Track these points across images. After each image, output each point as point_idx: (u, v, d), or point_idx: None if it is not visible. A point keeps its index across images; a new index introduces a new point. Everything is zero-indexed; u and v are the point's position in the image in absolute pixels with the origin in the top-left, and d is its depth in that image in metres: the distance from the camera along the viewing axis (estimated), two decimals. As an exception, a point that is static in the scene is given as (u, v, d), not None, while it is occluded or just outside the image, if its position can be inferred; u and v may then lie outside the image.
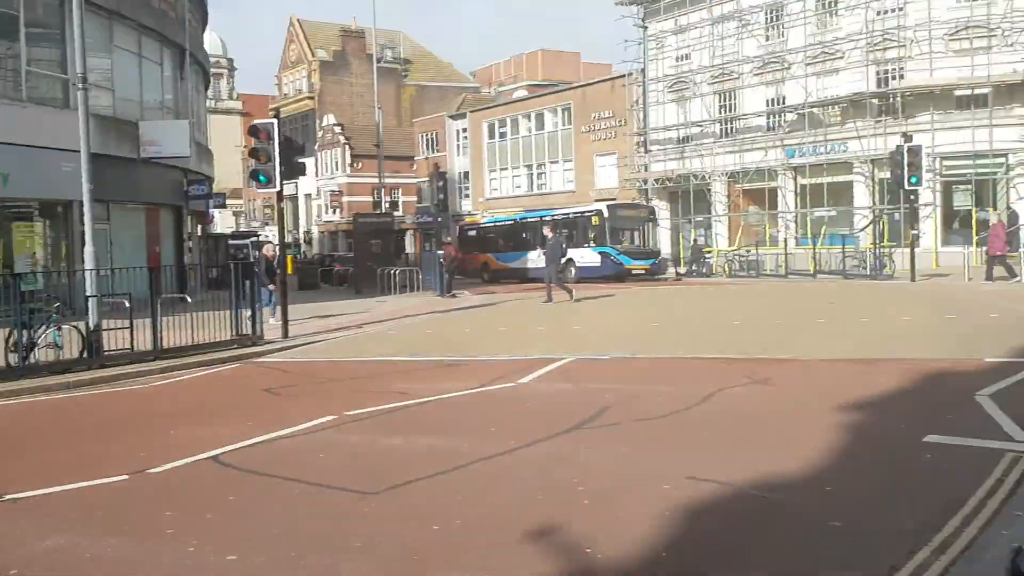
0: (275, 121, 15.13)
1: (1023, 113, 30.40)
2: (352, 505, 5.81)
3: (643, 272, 31.88)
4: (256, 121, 15.70)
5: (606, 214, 32.48)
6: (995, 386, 8.58)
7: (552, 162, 49.45)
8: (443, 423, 8.43)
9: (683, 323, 16.44)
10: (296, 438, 7.82)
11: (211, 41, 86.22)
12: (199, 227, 33.46)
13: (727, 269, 33.29)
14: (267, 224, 74.32)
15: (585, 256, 32.29)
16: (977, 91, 31.00)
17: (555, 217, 34.91)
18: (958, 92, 31.56)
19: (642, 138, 43.28)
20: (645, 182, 41.96)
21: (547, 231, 25.90)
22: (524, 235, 36.84)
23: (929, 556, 4.51)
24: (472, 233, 40.93)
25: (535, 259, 33.58)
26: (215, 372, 12.81)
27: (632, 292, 26.34)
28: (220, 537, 5.27)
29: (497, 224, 40.64)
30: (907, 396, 8.59)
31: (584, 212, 34.43)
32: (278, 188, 15.24)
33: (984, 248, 25.39)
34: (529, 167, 51.12)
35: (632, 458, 6.70)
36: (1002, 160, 31.15)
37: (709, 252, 35.86)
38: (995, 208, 31.09)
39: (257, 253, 23.91)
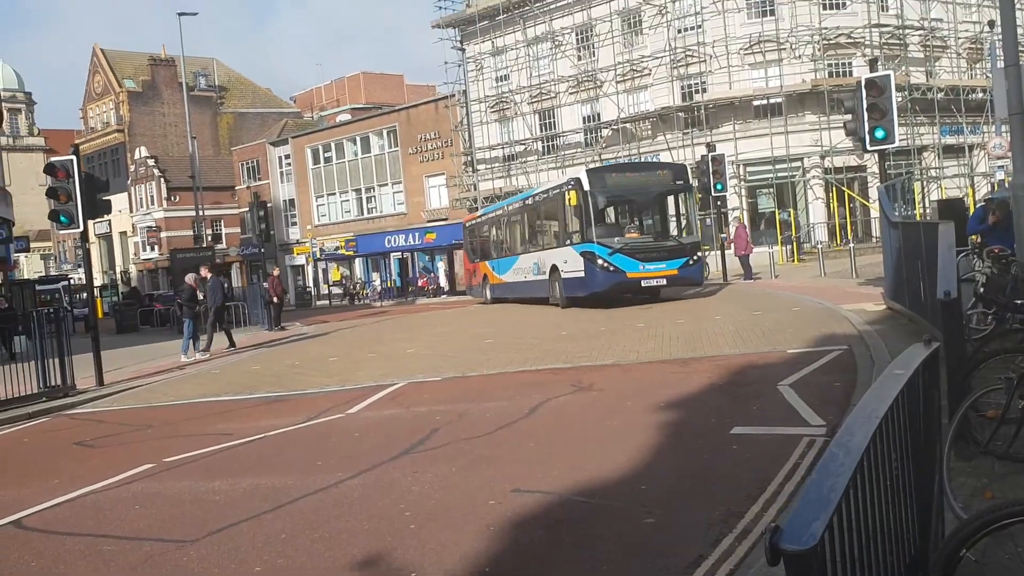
0: (73, 158, 14.31)
1: (814, 120, 33.00)
2: (168, 555, 5.55)
3: (661, 282, 19.64)
4: (53, 159, 14.79)
5: (587, 184, 19.51)
6: (795, 375, 9.24)
7: (381, 185, 49.20)
8: (268, 462, 8.17)
9: (513, 339, 16.69)
10: (109, 492, 7.39)
11: (4, 75, 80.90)
12: (-1, 275, 31.09)
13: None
14: (80, 266, 69.89)
15: (568, 261, 20.50)
16: (772, 101, 33.42)
17: (536, 198, 24.00)
18: (756, 102, 33.91)
19: (468, 158, 43.88)
20: (475, 200, 42.52)
21: (204, 271, 20.80)
22: (515, 231, 26.12)
23: (733, 542, 4.81)
24: (475, 234, 30.43)
25: (525, 267, 23.94)
26: (21, 429, 11.91)
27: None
28: (18, 608, 4.91)
29: (490, 216, 29.04)
30: (717, 391, 9.09)
31: (562, 187, 21.30)
32: (81, 228, 14.42)
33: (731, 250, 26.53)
34: (358, 191, 50.64)
35: (459, 477, 6.74)
36: (798, 164, 33.67)
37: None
38: (794, 209, 33.53)
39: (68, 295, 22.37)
